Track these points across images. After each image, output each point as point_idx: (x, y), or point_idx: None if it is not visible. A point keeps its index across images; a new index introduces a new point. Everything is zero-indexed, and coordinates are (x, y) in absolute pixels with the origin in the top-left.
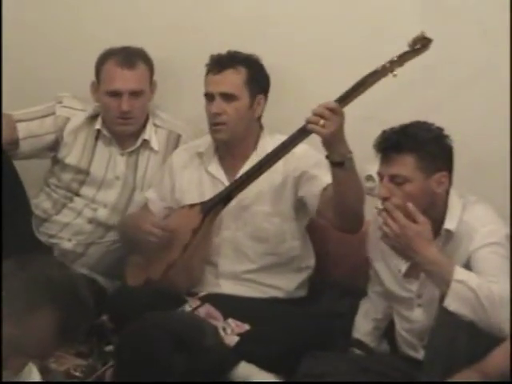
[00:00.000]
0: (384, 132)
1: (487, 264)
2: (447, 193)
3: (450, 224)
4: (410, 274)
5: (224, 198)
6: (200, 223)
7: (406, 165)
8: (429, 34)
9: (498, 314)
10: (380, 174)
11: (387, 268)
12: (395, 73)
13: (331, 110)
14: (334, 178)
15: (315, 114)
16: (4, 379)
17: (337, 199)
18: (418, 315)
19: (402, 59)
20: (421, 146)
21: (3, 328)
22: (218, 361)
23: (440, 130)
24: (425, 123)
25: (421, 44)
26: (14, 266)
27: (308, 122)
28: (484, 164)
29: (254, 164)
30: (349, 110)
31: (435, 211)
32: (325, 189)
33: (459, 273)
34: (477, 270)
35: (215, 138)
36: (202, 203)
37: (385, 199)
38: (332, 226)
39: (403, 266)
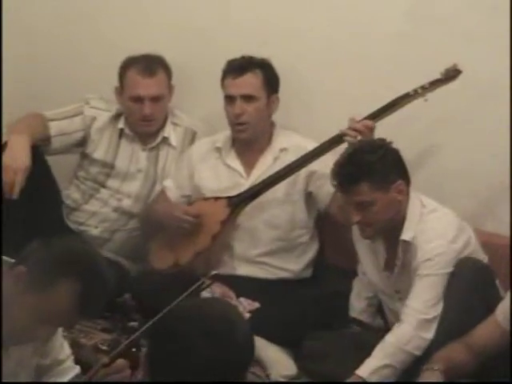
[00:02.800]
0: (334, 166)
1: (419, 293)
2: (408, 197)
3: (406, 235)
4: (388, 265)
5: (253, 195)
6: (228, 216)
7: (364, 192)
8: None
9: (408, 349)
10: (347, 202)
11: (370, 260)
12: (426, 98)
13: (369, 128)
14: None
15: (354, 129)
16: (34, 348)
17: None
18: (401, 307)
19: (434, 86)
20: (370, 171)
21: (30, 301)
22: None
23: (382, 141)
24: (367, 143)
25: (452, 74)
26: (39, 243)
27: (345, 134)
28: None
29: (284, 165)
30: None
31: (396, 220)
32: (335, 192)
33: (361, 372)
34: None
35: (239, 137)
36: (229, 198)
37: (358, 223)
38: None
39: (382, 259)
